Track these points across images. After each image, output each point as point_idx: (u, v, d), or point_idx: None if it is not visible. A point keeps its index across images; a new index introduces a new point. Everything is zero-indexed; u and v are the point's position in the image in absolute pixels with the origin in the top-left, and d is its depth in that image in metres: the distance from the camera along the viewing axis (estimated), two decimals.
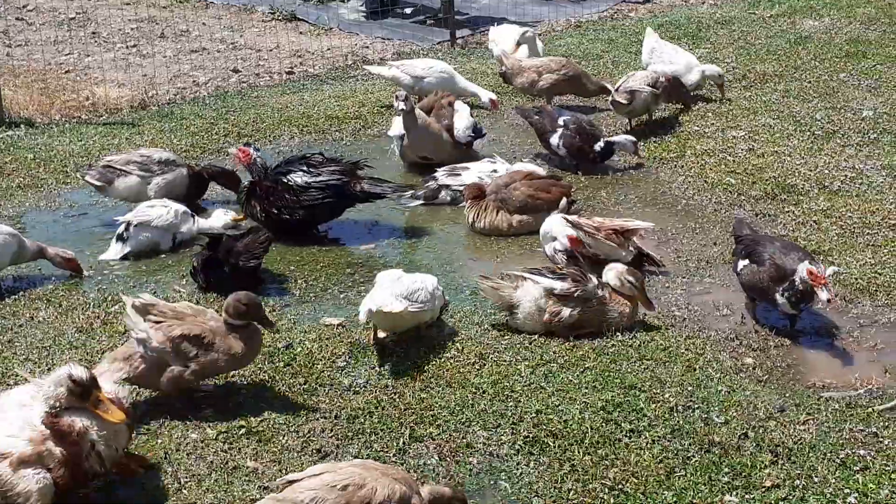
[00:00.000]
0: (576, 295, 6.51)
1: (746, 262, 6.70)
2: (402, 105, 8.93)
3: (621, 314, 6.61)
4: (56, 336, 6.67)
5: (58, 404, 4.86)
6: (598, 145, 9.22)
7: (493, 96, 10.81)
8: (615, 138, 9.41)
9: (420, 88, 10.92)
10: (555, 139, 9.29)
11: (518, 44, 11.28)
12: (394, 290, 6.31)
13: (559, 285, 6.53)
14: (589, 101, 10.92)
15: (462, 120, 9.46)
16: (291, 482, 4.59)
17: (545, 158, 9.46)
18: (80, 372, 4.89)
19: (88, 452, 4.87)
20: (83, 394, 4.88)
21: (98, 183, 8.48)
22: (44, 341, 6.58)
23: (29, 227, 8.43)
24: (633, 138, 9.45)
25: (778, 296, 6.47)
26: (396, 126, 9.41)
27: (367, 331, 6.61)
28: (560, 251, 7.16)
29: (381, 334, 6.51)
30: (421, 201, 8.70)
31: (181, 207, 8.07)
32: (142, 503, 5.11)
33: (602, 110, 10.63)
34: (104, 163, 8.59)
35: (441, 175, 8.81)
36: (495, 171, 8.69)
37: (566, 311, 6.51)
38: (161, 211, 7.96)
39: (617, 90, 10.01)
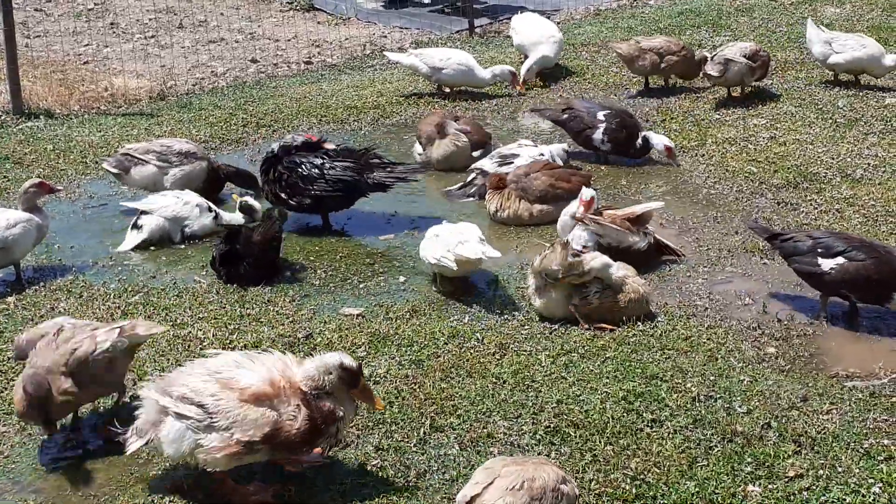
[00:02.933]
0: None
1: (841, 260, 6.47)
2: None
3: (630, 302, 6.57)
4: None
5: (325, 387, 4.94)
6: (639, 142, 8.99)
7: (512, 68, 10.73)
8: (653, 140, 8.98)
9: (438, 79, 10.91)
10: (598, 135, 9.07)
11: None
12: (476, 235, 6.99)
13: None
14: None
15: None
16: (474, 498, 4.57)
17: (573, 155, 9.25)
18: (350, 361, 4.98)
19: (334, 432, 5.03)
20: (353, 381, 4.99)
21: (115, 171, 8.52)
22: None
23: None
24: (669, 143, 8.99)
25: None
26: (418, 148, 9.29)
27: (386, 321, 6.61)
28: (579, 239, 7.12)
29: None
30: (475, 198, 8.54)
31: (197, 201, 8.01)
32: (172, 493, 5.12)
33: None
34: (123, 151, 8.62)
35: (489, 165, 8.56)
36: (542, 154, 8.57)
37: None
38: (169, 201, 7.91)
39: (712, 59, 9.98)
